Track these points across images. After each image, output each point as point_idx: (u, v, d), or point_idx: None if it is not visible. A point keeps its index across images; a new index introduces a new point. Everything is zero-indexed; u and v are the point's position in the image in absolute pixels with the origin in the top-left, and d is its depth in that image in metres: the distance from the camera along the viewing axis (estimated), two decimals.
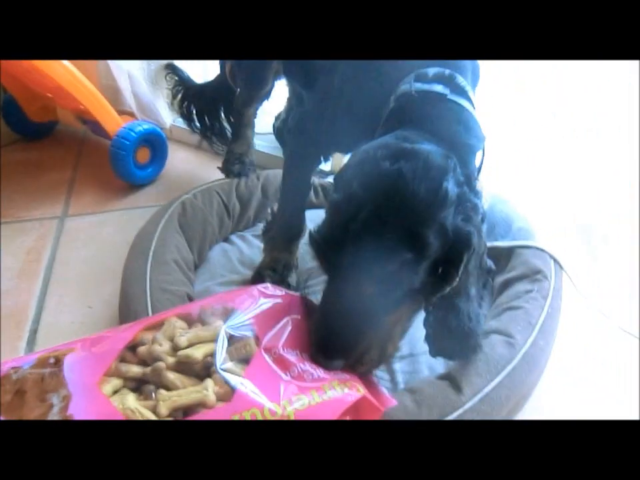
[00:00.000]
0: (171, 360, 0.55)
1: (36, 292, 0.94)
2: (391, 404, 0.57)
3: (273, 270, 0.85)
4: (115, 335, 0.60)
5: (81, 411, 0.51)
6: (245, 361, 0.54)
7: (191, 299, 0.79)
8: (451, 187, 0.55)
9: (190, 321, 0.60)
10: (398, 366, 0.72)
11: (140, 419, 0.50)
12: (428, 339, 0.63)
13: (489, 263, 0.66)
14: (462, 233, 0.58)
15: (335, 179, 0.61)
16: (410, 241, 0.53)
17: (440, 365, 0.72)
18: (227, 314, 0.59)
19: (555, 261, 0.87)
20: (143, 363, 0.56)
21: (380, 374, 0.70)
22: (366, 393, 0.54)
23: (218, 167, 1.12)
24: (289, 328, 0.59)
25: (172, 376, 0.53)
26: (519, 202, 0.99)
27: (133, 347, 0.58)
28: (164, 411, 0.50)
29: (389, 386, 0.71)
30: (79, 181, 1.27)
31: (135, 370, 0.54)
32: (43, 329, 0.86)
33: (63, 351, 0.58)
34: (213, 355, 0.54)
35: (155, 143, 1.25)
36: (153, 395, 0.52)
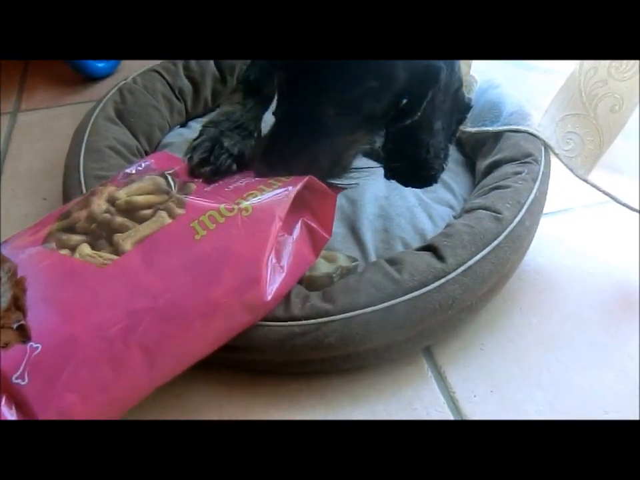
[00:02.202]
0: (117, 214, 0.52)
1: None
2: (339, 192, 0.59)
3: None
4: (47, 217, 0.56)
5: (32, 271, 0.48)
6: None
7: None
8: None
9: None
10: (369, 237, 0.66)
11: (102, 261, 0.47)
12: (382, 161, 0.64)
13: (467, 98, 0.67)
14: (431, 68, 0.59)
15: None
16: (377, 71, 0.54)
17: (415, 241, 0.66)
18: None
19: (547, 146, 0.81)
20: (84, 233, 0.51)
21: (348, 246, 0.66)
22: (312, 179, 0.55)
23: None
24: None
25: (122, 219, 0.50)
26: (514, 86, 0.91)
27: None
28: (128, 246, 0.47)
29: (360, 255, 0.65)
30: (31, 76, 1.16)
31: (77, 238, 0.50)
32: None
33: None
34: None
35: None
36: (109, 242, 0.49)
